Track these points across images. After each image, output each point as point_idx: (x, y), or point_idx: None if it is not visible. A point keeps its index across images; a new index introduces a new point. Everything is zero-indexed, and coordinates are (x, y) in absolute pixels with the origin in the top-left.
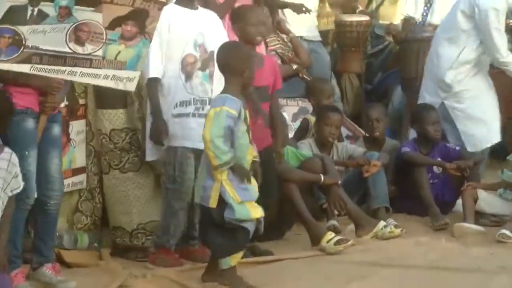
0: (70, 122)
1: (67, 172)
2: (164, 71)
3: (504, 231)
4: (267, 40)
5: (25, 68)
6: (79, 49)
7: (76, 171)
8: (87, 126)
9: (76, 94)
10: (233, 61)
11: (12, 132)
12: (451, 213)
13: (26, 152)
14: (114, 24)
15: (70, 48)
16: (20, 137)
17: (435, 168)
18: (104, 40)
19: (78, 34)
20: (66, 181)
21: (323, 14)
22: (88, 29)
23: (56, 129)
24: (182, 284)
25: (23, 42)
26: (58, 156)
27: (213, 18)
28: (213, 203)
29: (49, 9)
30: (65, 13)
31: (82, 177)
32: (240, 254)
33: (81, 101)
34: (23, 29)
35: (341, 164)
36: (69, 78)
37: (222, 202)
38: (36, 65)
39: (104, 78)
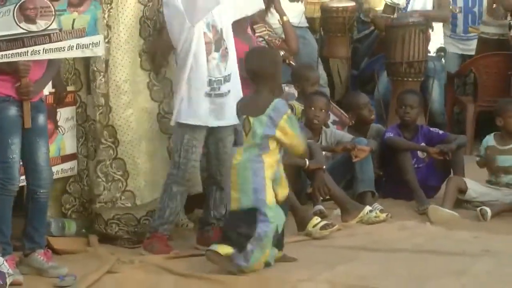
0: (58, 110)
1: (56, 159)
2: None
3: (484, 207)
4: (254, 27)
5: None
6: (32, 27)
7: (65, 158)
8: (80, 107)
9: (64, 81)
10: (264, 68)
11: None
12: (437, 198)
13: (9, 140)
14: None
15: (23, 29)
16: (3, 125)
17: (419, 153)
18: (53, 13)
19: (26, 13)
20: (55, 168)
21: (310, 0)
22: (33, 5)
23: (41, 119)
24: (169, 270)
25: None
26: (45, 145)
27: None
28: (270, 202)
29: None
30: None
31: (73, 163)
32: None
33: (69, 88)
34: None
35: (329, 150)
36: (35, 57)
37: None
38: None
39: (69, 49)
